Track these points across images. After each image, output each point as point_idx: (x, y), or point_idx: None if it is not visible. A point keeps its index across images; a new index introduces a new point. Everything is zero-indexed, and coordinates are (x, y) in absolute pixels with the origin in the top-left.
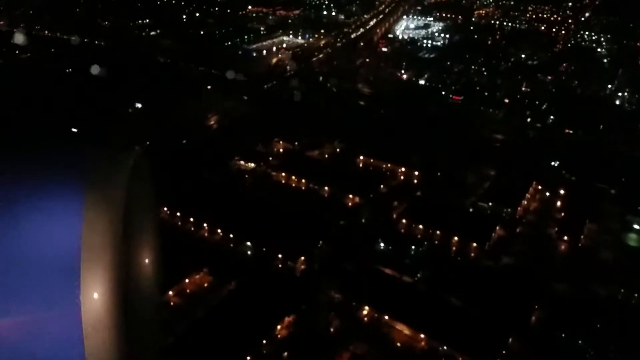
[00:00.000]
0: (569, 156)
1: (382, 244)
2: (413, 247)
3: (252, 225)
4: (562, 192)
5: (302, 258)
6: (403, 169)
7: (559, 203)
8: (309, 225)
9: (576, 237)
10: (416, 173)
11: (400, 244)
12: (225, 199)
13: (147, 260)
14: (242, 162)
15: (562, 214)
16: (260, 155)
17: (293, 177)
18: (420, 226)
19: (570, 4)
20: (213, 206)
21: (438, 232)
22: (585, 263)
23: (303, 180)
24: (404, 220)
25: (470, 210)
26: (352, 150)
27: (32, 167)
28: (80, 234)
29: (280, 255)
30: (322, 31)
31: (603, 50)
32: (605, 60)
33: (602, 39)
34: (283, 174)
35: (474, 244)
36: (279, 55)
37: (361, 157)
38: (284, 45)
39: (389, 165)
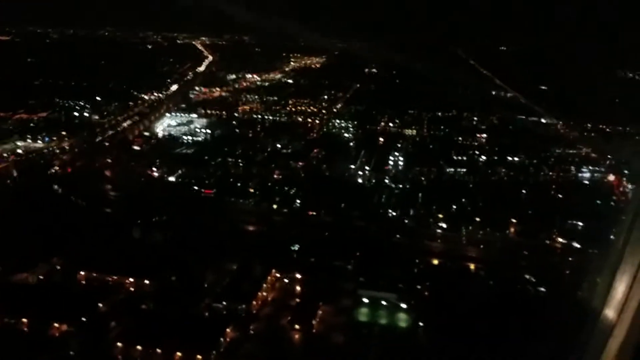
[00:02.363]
0: (308, 238)
1: None
2: None
3: None
4: (298, 276)
5: None
6: (131, 280)
7: (297, 289)
8: None
9: (308, 324)
10: (146, 282)
11: None
12: None
13: None
14: None
15: (297, 300)
16: None
17: None
18: (139, 347)
19: (325, 97)
20: None
21: (159, 350)
22: (317, 349)
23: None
24: (119, 344)
25: (206, 314)
26: (72, 266)
27: None
28: None
29: None
30: (63, 133)
31: (350, 135)
32: (350, 144)
33: (350, 126)
34: None
35: (199, 356)
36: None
37: (82, 273)
38: (19, 151)
39: (114, 277)
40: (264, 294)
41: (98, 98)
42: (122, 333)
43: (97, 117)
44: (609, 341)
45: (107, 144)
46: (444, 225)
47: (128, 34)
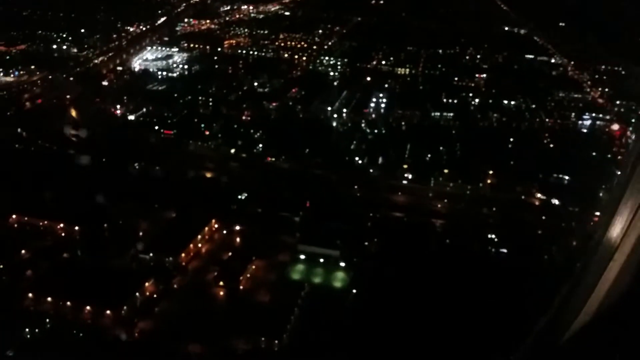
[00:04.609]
0: (259, 187)
1: None
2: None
3: None
4: (238, 228)
5: None
6: (62, 225)
7: (236, 241)
8: None
9: (235, 280)
10: (76, 228)
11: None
12: None
13: None
14: None
15: (230, 254)
16: None
17: None
18: (49, 299)
19: (320, 31)
20: None
21: (69, 303)
22: (239, 308)
23: None
24: (29, 295)
25: (130, 265)
26: (5, 208)
27: None
28: None
29: None
30: (33, 67)
31: (335, 73)
32: (334, 84)
33: (339, 64)
34: None
35: (108, 312)
36: None
37: (14, 216)
38: None
39: (45, 222)
40: (199, 245)
41: (82, 30)
42: (36, 282)
43: (75, 50)
44: (609, 265)
45: (74, 79)
46: (411, 177)
47: None
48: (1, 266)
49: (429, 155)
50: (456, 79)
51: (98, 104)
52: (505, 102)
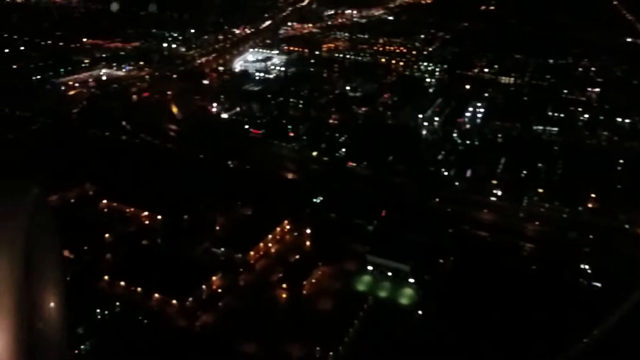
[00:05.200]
0: (336, 191)
1: None
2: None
3: None
4: (308, 231)
5: None
6: (146, 213)
7: (306, 244)
8: None
9: (298, 284)
10: (159, 217)
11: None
12: None
13: (52, 305)
14: None
15: (297, 256)
16: None
17: None
18: (122, 283)
19: (422, 36)
20: None
21: (139, 289)
22: (298, 313)
23: None
24: (105, 277)
25: (201, 258)
26: (100, 194)
27: None
28: None
29: None
30: (142, 63)
31: (432, 80)
32: (429, 91)
33: (437, 70)
34: None
35: (173, 301)
36: (78, 89)
37: (104, 201)
38: (104, 78)
39: (132, 209)
40: (269, 244)
41: (192, 31)
42: (113, 266)
43: (183, 49)
44: None
45: (177, 76)
46: (500, 193)
47: None
48: (85, 247)
49: (525, 172)
50: (565, 91)
51: (197, 101)
52: (619, 119)
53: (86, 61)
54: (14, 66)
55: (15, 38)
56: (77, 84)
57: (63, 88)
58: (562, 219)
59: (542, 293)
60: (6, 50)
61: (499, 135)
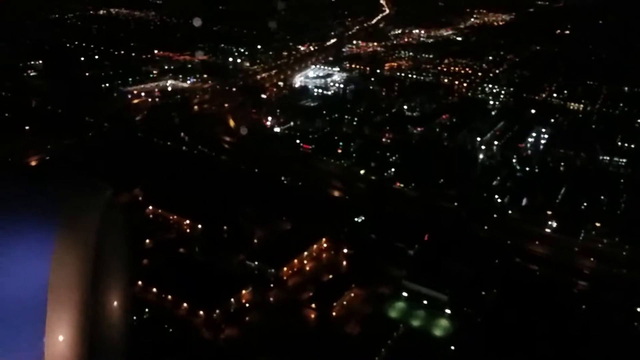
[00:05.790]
0: (380, 212)
1: None
2: None
3: None
4: (346, 251)
5: None
6: (188, 222)
7: (342, 264)
8: None
9: (328, 306)
10: (199, 226)
11: None
12: None
13: (115, 304)
14: None
15: (330, 276)
16: None
17: None
18: (154, 289)
19: (490, 58)
20: None
21: (170, 296)
22: (325, 335)
23: None
24: (139, 282)
25: (235, 270)
26: (147, 200)
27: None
28: (48, 275)
29: None
30: (205, 76)
31: (497, 103)
32: (492, 113)
33: (502, 93)
34: None
35: (201, 312)
36: (143, 98)
37: (150, 207)
38: (169, 89)
39: (175, 217)
40: (304, 262)
41: (259, 47)
42: (148, 272)
43: (247, 64)
44: None
45: (237, 89)
46: (556, 225)
47: None
48: None
49: (585, 204)
50: (639, 121)
51: (253, 114)
52: None
53: (155, 72)
54: (87, 74)
55: (92, 47)
56: (142, 93)
57: (129, 96)
58: (621, 256)
59: (591, 336)
60: (82, 59)
61: (562, 164)
